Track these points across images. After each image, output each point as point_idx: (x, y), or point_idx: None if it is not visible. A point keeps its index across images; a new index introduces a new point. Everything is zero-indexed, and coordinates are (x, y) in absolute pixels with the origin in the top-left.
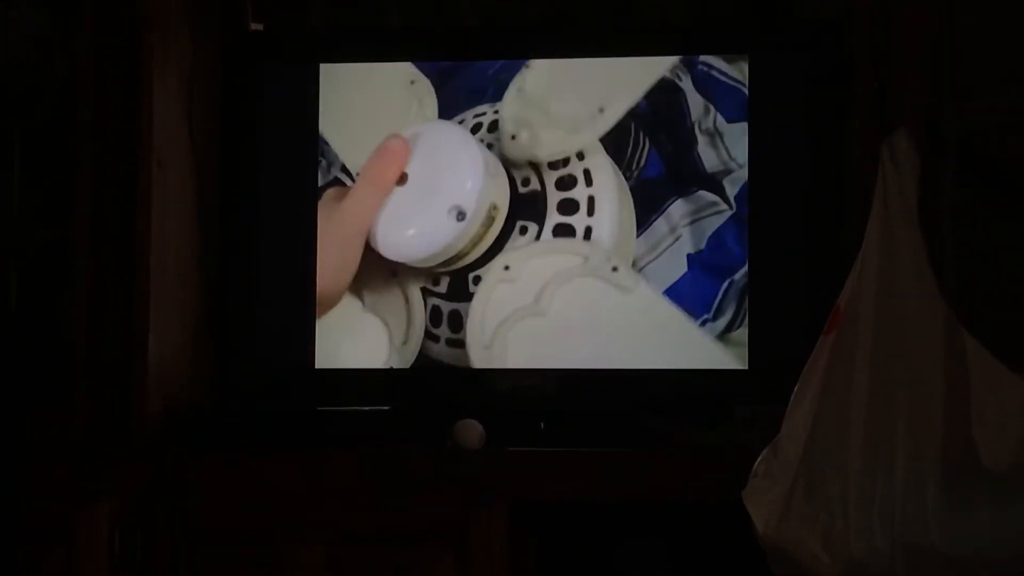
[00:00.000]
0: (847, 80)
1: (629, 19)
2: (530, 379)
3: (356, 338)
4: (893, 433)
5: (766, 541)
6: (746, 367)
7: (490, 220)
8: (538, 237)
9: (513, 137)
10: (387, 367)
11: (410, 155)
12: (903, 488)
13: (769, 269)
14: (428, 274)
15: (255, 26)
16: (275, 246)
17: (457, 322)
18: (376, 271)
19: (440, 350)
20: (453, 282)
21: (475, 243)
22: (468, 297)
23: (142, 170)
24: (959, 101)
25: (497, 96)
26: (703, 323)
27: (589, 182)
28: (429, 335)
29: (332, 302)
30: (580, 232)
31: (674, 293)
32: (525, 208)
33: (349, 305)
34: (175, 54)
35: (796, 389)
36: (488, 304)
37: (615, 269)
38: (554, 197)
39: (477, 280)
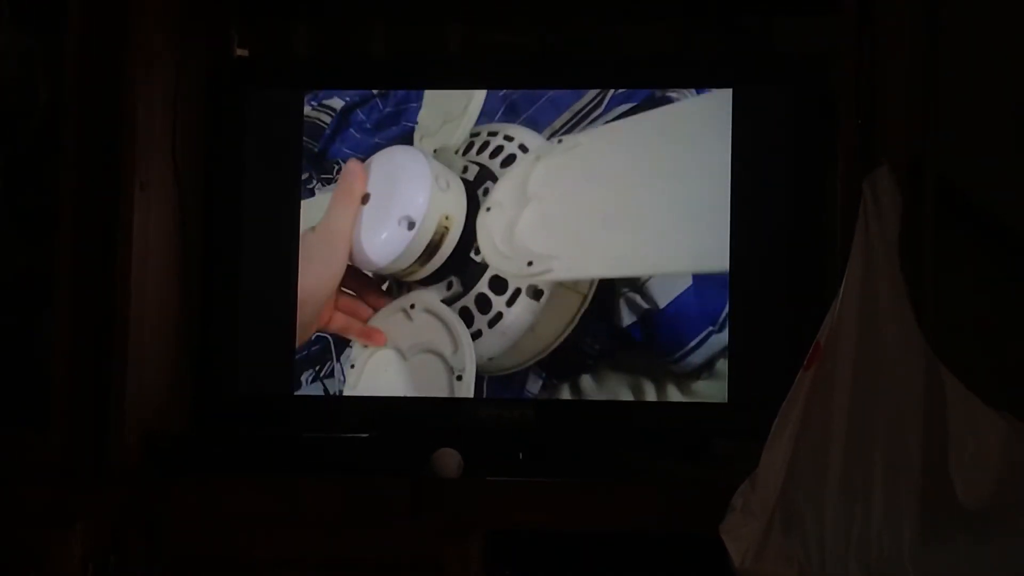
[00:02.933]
0: (831, 115)
1: (615, 52)
2: (510, 409)
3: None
4: (871, 469)
5: (743, 575)
6: (726, 401)
7: (443, 229)
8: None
9: (435, 151)
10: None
11: (368, 175)
12: (880, 525)
13: (749, 303)
14: (434, 284)
15: (240, 52)
16: (256, 271)
17: (485, 303)
18: (396, 313)
19: (492, 339)
20: (459, 268)
21: (431, 253)
22: (480, 269)
23: (124, 193)
24: (942, 140)
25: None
26: (708, 335)
27: (510, 139)
28: (476, 336)
29: (312, 318)
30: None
31: (680, 304)
32: (481, 179)
33: (388, 359)
34: (160, 78)
35: (775, 424)
36: (493, 233)
37: (559, 141)
38: (494, 164)
39: (477, 249)
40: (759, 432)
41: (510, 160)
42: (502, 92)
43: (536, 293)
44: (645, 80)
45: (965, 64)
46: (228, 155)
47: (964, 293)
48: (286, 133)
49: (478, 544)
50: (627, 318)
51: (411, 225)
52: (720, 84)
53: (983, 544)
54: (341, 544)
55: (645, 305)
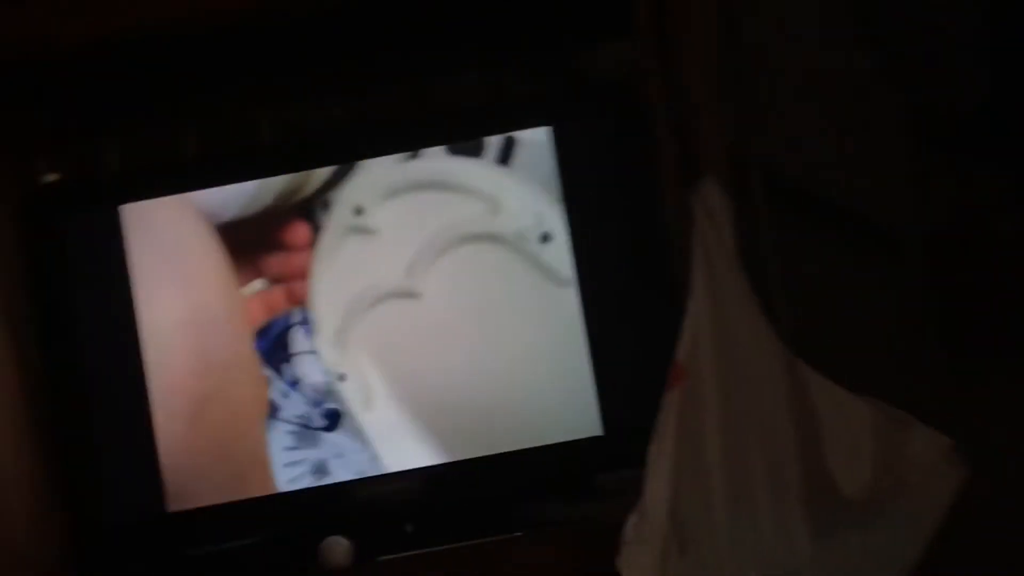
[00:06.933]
0: (650, 136)
1: (427, 107)
2: (394, 483)
3: None
4: (752, 478)
5: None
6: (602, 433)
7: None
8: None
9: None
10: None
11: None
12: (771, 531)
13: (605, 333)
14: None
15: (52, 177)
16: (107, 395)
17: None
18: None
19: None
20: None
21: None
22: None
23: None
24: (763, 137)
25: None
26: None
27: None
28: None
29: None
30: None
31: None
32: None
33: None
34: None
35: (651, 448)
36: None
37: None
38: None
39: None
40: (640, 459)
41: None
42: None
43: None
44: (460, 133)
45: (771, 53)
46: (54, 281)
47: (812, 281)
48: (109, 248)
49: None
50: None
51: None
52: (537, 123)
53: (869, 528)
54: None
55: None
